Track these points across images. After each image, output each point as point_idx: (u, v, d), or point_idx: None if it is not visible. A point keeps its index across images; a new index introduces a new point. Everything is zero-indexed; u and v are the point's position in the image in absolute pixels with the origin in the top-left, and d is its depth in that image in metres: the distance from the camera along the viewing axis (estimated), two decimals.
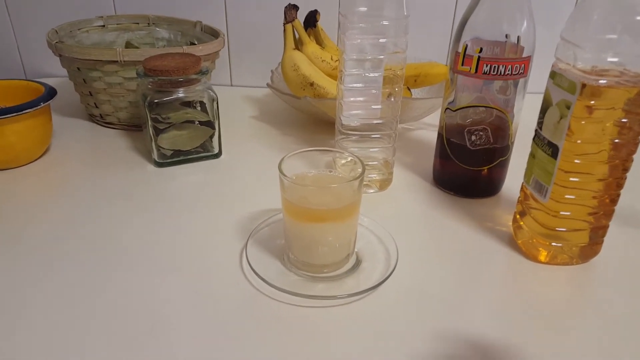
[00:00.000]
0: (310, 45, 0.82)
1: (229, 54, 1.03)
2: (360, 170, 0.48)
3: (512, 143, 0.63)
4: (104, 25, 0.93)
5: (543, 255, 0.53)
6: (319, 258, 0.49)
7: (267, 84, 0.83)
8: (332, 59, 0.83)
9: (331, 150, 0.52)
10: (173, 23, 0.95)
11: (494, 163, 0.63)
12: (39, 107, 0.67)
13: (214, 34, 0.88)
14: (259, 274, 0.48)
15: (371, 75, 0.60)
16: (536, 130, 0.52)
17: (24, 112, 0.65)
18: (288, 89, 0.82)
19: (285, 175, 0.46)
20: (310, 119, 0.86)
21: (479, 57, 0.57)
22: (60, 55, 0.77)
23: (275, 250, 0.53)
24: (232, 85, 1.06)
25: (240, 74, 1.05)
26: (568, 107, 0.47)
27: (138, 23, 0.95)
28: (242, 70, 1.05)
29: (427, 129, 0.85)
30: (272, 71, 0.89)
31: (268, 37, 1.00)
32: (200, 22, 0.92)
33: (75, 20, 0.89)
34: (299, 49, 0.81)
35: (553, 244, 0.52)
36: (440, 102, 0.77)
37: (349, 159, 0.52)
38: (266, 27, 1.00)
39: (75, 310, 0.46)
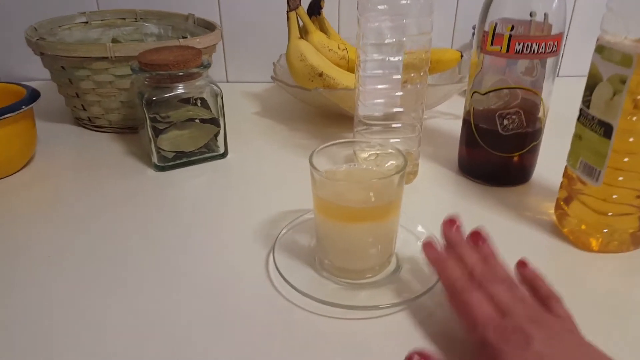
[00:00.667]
0: (316, 34, 0.76)
1: (223, 48, 0.98)
2: (399, 162, 0.43)
3: (544, 127, 0.59)
4: (87, 22, 0.86)
5: (594, 243, 0.49)
6: (358, 262, 0.44)
7: (272, 77, 0.77)
8: (339, 47, 0.78)
9: (364, 142, 0.47)
10: (163, 17, 0.89)
11: (526, 148, 0.58)
12: (20, 111, 0.61)
13: (209, 26, 0.82)
14: (292, 284, 0.43)
15: (392, 59, 0.56)
16: (581, 110, 0.47)
17: (3, 117, 0.59)
18: (293, 81, 0.77)
19: (318, 170, 0.41)
20: (318, 112, 0.81)
21: (510, 35, 0.52)
22: (41, 54, 0.70)
23: (305, 257, 0.48)
24: (228, 82, 1.00)
25: (236, 70, 0.99)
26: (623, 82, 0.42)
27: (124, 18, 0.89)
28: (238, 65, 0.99)
29: (441, 117, 0.81)
30: (274, 63, 0.83)
31: (265, 29, 0.95)
32: (193, 14, 0.86)
33: (56, 17, 0.82)
34: (303, 38, 0.76)
35: (604, 230, 0.48)
36: (456, 88, 0.73)
37: (372, 151, 0.47)
38: (263, 18, 0.94)
39: (82, 337, 0.40)
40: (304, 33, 0.77)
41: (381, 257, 0.45)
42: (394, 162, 0.44)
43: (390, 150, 0.44)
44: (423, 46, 0.55)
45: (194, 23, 0.86)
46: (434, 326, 0.40)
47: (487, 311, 0.36)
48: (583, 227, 0.49)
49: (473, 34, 0.90)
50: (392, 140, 0.60)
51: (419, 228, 0.51)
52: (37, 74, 0.91)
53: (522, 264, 0.41)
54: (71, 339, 0.40)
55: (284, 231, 0.50)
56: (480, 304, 0.36)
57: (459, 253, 0.41)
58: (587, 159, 0.47)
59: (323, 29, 0.80)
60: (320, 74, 0.72)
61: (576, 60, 0.80)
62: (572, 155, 0.49)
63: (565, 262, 0.48)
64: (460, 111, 0.81)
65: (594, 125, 0.45)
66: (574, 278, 0.46)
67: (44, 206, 0.58)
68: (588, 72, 0.46)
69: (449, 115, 0.82)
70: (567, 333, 0.35)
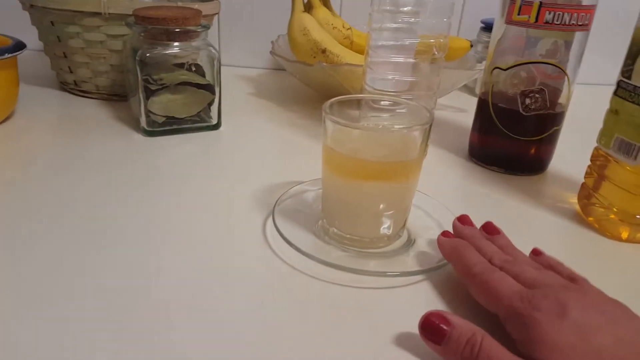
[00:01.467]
0: (321, 10, 0.72)
1: (218, 31, 0.93)
2: (422, 119, 0.38)
3: (566, 111, 0.55)
4: None
5: (624, 232, 0.45)
6: (368, 229, 0.39)
7: (270, 52, 0.73)
8: (343, 26, 0.74)
9: (380, 96, 0.42)
10: None
11: (547, 133, 0.54)
12: (3, 57, 0.55)
13: (207, 1, 0.77)
14: (295, 244, 0.38)
15: (407, 42, 0.51)
16: (620, 82, 0.44)
17: None
18: (294, 59, 0.72)
19: (332, 117, 0.36)
20: (318, 95, 0.76)
21: (540, 2, 0.49)
22: (31, 7, 0.65)
23: (306, 224, 0.42)
24: (222, 65, 0.95)
25: (230, 54, 0.95)
26: None
27: None
28: (232, 49, 0.94)
29: (445, 110, 0.77)
30: (272, 42, 0.79)
31: (262, 13, 0.90)
32: None
33: None
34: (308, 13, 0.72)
35: (638, 216, 0.44)
36: (467, 74, 0.70)
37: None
38: (261, 1, 0.90)
39: (67, 304, 0.34)
40: (308, 8, 0.73)
41: (394, 226, 0.40)
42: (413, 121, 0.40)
43: (407, 108, 0.40)
44: (441, 30, 0.51)
45: None
46: (451, 301, 0.35)
47: (512, 283, 0.31)
48: (612, 215, 0.45)
49: (481, 28, 0.87)
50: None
51: (431, 205, 0.46)
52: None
53: (537, 252, 0.37)
54: (52, 306, 0.33)
55: (283, 198, 0.45)
56: (503, 279, 0.32)
57: (475, 245, 0.36)
58: (625, 134, 0.43)
59: (327, 7, 0.76)
60: (324, 50, 0.68)
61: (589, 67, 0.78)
62: (605, 133, 0.45)
63: (591, 251, 0.44)
64: (465, 105, 0.78)
65: (635, 97, 0.41)
66: (600, 268, 0.41)
67: (22, 160, 0.53)
68: (631, 38, 0.42)
69: (452, 108, 0.78)
70: (608, 301, 0.30)
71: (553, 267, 0.35)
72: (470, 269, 0.33)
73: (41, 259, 0.37)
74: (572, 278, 0.33)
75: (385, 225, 0.39)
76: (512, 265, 0.33)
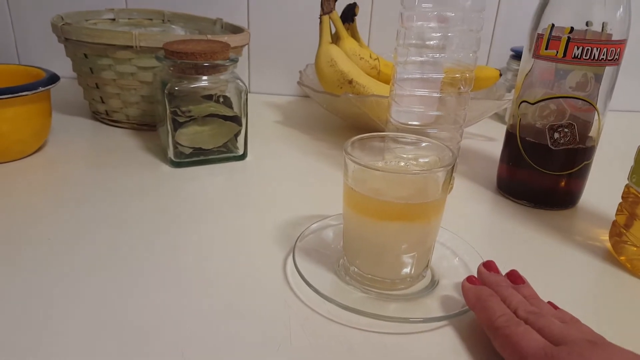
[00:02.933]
0: (348, 41, 0.73)
1: (248, 58, 0.95)
2: (445, 158, 0.38)
3: (596, 145, 0.53)
4: (114, 19, 0.84)
5: None
6: (390, 270, 0.39)
7: (298, 82, 0.73)
8: (370, 57, 0.74)
9: (403, 136, 0.42)
10: (190, 20, 0.86)
11: (577, 167, 0.53)
12: (37, 91, 0.57)
13: (236, 31, 0.79)
14: (313, 286, 0.37)
15: (433, 76, 0.51)
16: None
17: (19, 94, 0.55)
18: (321, 88, 0.73)
19: (353, 157, 0.36)
20: (345, 124, 0.77)
21: (569, 37, 0.48)
22: (66, 40, 0.67)
23: (327, 263, 0.42)
24: (250, 92, 0.97)
25: (259, 81, 0.96)
26: None
27: (152, 19, 0.86)
28: (262, 76, 0.96)
29: (474, 139, 0.76)
30: (300, 72, 0.79)
31: (292, 42, 0.92)
32: (221, 19, 0.84)
33: (83, 10, 0.80)
34: (335, 44, 0.72)
35: None
36: (496, 105, 0.69)
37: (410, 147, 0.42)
38: (291, 30, 0.91)
39: (90, 334, 0.34)
40: (335, 39, 0.73)
41: (416, 267, 0.39)
42: (435, 157, 0.39)
43: (431, 143, 0.39)
44: (467, 64, 0.50)
45: (222, 27, 0.83)
46: (474, 349, 0.34)
47: (537, 339, 0.30)
48: None
49: (510, 56, 0.86)
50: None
51: (457, 244, 0.45)
52: (59, 71, 0.89)
53: (554, 307, 0.36)
54: (73, 332, 0.34)
55: (305, 234, 0.45)
56: (527, 333, 0.31)
57: (499, 294, 0.35)
58: None
59: (354, 37, 0.76)
60: (350, 81, 0.68)
61: (622, 94, 0.76)
62: (637, 171, 0.44)
63: (622, 293, 0.42)
64: (494, 133, 0.77)
65: None
66: (631, 311, 0.40)
67: (54, 190, 0.54)
68: None
69: (482, 137, 0.77)
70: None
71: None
72: (494, 321, 0.32)
73: (67, 286, 0.38)
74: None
75: (408, 266, 0.39)
76: (537, 318, 0.32)
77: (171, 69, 0.58)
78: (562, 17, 0.49)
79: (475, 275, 0.39)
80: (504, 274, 0.39)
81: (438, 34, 0.49)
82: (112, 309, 0.36)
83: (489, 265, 0.39)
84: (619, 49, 0.48)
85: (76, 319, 0.35)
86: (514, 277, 0.38)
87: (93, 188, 0.55)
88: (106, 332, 0.34)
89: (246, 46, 0.92)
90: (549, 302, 0.36)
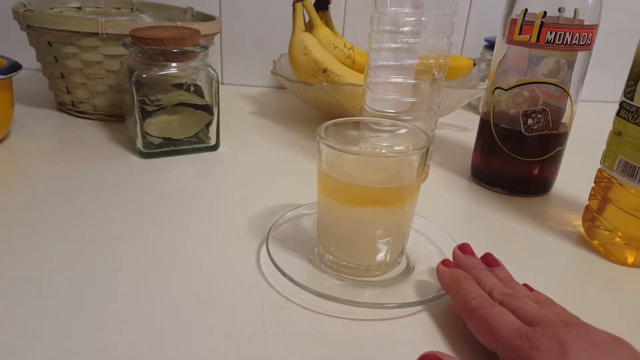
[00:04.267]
0: (322, 29, 0.72)
1: (221, 49, 0.93)
2: (420, 142, 0.37)
3: (569, 131, 0.54)
4: (80, 7, 0.81)
5: (630, 257, 0.43)
6: (365, 257, 0.38)
7: (271, 72, 0.72)
8: (345, 45, 0.73)
9: (379, 120, 0.41)
10: (160, 9, 0.84)
11: (550, 153, 0.53)
12: None
13: (208, 20, 0.77)
14: (287, 274, 0.36)
15: (407, 54, 0.50)
16: (622, 103, 0.42)
17: None
18: (295, 78, 0.72)
19: (327, 141, 0.35)
20: (319, 114, 0.76)
21: (542, 22, 0.48)
22: (28, 27, 0.65)
23: (302, 251, 0.41)
24: (223, 84, 0.95)
25: (233, 72, 0.94)
26: None
27: (120, 8, 0.84)
28: (235, 67, 0.94)
29: (448, 129, 0.76)
30: (274, 61, 0.78)
31: (266, 32, 0.90)
32: (192, 8, 0.82)
33: None
34: (309, 32, 0.71)
35: None
36: (470, 93, 0.68)
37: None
38: (264, 20, 0.90)
39: (57, 327, 0.33)
40: (309, 27, 0.72)
41: (391, 253, 0.38)
42: (409, 145, 0.39)
43: (406, 129, 0.39)
44: (441, 50, 0.50)
45: (193, 16, 0.81)
46: (450, 334, 0.34)
47: (512, 320, 0.30)
48: (617, 239, 0.44)
49: (484, 46, 0.86)
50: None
51: (432, 230, 0.44)
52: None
53: (529, 289, 0.36)
54: (39, 325, 0.32)
55: (278, 223, 0.44)
56: (502, 315, 0.30)
57: (474, 276, 0.35)
58: (629, 156, 0.41)
59: (328, 26, 0.75)
60: (325, 70, 0.67)
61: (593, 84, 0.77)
62: (609, 155, 0.44)
63: (596, 276, 0.42)
64: (468, 124, 0.77)
65: (638, 118, 0.40)
66: (605, 294, 0.40)
67: (12, 186, 0.51)
68: (633, 59, 0.41)
69: (456, 127, 0.77)
70: (612, 341, 0.28)
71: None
72: (468, 303, 0.32)
73: (35, 281, 0.36)
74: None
75: (383, 252, 0.38)
76: (512, 300, 0.32)
77: (138, 55, 0.56)
78: (535, 3, 0.49)
79: (451, 258, 0.38)
80: (479, 257, 0.38)
81: (412, 19, 0.49)
82: (80, 300, 0.35)
83: (464, 248, 0.38)
84: (590, 34, 0.49)
85: (42, 311, 0.34)
86: (489, 260, 0.37)
87: (57, 181, 0.53)
88: (73, 322, 0.33)
89: (219, 37, 0.91)
90: (525, 285, 0.36)
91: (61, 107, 0.73)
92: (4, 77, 0.56)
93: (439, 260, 0.38)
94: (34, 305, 0.34)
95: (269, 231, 0.42)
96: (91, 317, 0.33)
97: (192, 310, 0.35)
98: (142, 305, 0.35)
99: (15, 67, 0.58)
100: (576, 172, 0.54)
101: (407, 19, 0.48)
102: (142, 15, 0.84)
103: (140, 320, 0.33)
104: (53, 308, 0.34)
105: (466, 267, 0.36)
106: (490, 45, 0.84)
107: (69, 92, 0.69)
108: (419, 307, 0.36)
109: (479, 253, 0.39)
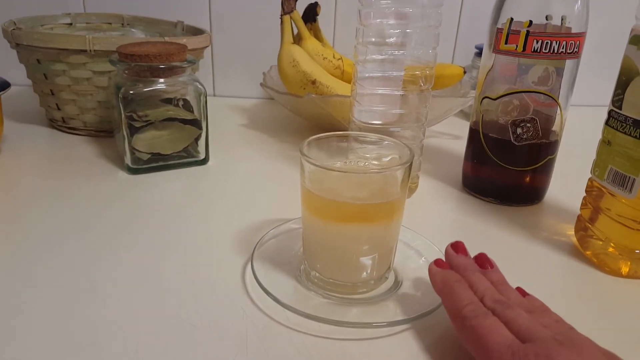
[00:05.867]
0: (311, 41, 0.72)
1: (212, 62, 0.93)
2: (404, 156, 0.37)
3: (560, 140, 0.53)
4: (71, 24, 0.81)
5: (624, 268, 0.42)
6: (351, 274, 0.37)
7: (261, 84, 0.72)
8: (334, 56, 0.73)
9: (363, 134, 0.41)
10: (150, 23, 0.84)
11: (541, 162, 0.52)
12: None
13: (198, 33, 0.77)
14: (272, 294, 0.36)
15: (393, 64, 0.50)
16: (611, 112, 0.42)
17: None
18: (285, 90, 0.71)
19: (309, 158, 0.35)
20: (309, 125, 0.75)
21: (527, 31, 0.47)
22: (17, 45, 0.65)
23: (288, 268, 0.41)
24: (215, 96, 0.95)
25: (224, 84, 0.94)
26: None
27: (110, 23, 0.84)
28: (226, 79, 0.94)
29: (440, 137, 0.76)
30: (264, 73, 0.78)
31: (256, 44, 0.90)
32: (182, 22, 0.82)
33: (38, 15, 0.77)
34: (297, 44, 0.71)
35: (637, 251, 0.42)
36: (460, 102, 0.68)
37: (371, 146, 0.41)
38: (254, 33, 0.90)
39: (46, 343, 0.32)
40: (297, 39, 0.72)
41: (378, 269, 0.38)
42: (395, 156, 0.38)
43: (392, 142, 0.38)
44: (427, 61, 0.49)
45: (183, 30, 0.81)
46: (440, 352, 0.33)
47: (504, 334, 0.29)
48: (610, 249, 0.43)
49: (475, 53, 0.86)
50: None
51: (422, 244, 0.44)
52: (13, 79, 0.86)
53: (523, 293, 0.35)
54: (25, 342, 0.32)
55: (265, 239, 0.43)
56: (494, 327, 0.30)
57: (467, 278, 0.34)
58: (619, 166, 0.41)
59: (317, 37, 0.75)
60: (314, 82, 0.67)
61: (584, 89, 0.77)
62: (599, 164, 0.43)
63: (589, 288, 0.42)
64: (459, 132, 0.77)
65: (627, 127, 0.40)
66: (599, 306, 0.39)
67: (1, 200, 0.51)
68: (620, 67, 0.41)
69: (448, 136, 0.76)
70: (604, 357, 0.28)
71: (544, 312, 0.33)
72: (460, 310, 0.31)
73: (23, 297, 0.35)
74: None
75: (369, 269, 0.37)
76: (504, 309, 0.31)
77: (126, 72, 0.56)
78: (521, 11, 0.48)
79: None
80: (473, 256, 0.38)
81: (397, 31, 0.48)
82: (64, 318, 0.34)
83: (457, 246, 0.38)
84: (578, 42, 0.48)
85: (28, 329, 0.33)
86: (482, 261, 0.37)
87: (46, 197, 0.52)
88: (57, 340, 0.32)
89: (210, 50, 0.91)
90: (518, 288, 0.35)
91: (52, 123, 0.73)
92: None
93: (425, 272, 0.37)
94: (22, 319, 0.34)
95: (254, 248, 0.41)
96: (75, 334, 0.33)
97: (175, 330, 0.34)
98: (125, 324, 0.34)
99: (3, 85, 0.58)
100: (568, 180, 0.54)
101: (392, 30, 0.48)
102: (133, 30, 0.84)
103: (123, 339, 0.33)
104: (38, 324, 0.33)
105: (458, 268, 0.36)
106: (481, 52, 0.84)
107: (59, 109, 0.69)
108: (408, 325, 0.35)
109: None
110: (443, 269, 0.36)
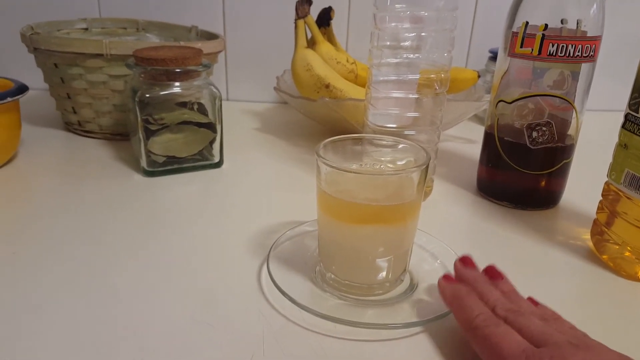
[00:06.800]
0: (324, 45, 0.72)
1: (226, 66, 0.93)
2: (419, 158, 0.37)
3: (576, 143, 0.53)
4: (87, 29, 0.82)
5: None
6: (366, 275, 0.38)
7: (274, 88, 0.72)
8: (347, 60, 0.73)
9: (378, 137, 0.41)
10: (165, 28, 0.85)
11: (557, 166, 0.52)
12: (5, 101, 0.55)
13: (212, 38, 0.78)
14: (288, 294, 0.36)
15: (408, 77, 0.50)
16: (628, 115, 0.42)
17: None
18: (298, 94, 0.72)
19: (325, 160, 0.35)
20: (323, 129, 0.75)
21: (543, 35, 0.47)
22: (35, 50, 0.66)
23: (303, 270, 0.41)
24: (228, 100, 0.96)
25: (238, 88, 0.95)
26: None
27: (126, 28, 0.85)
28: (240, 84, 0.95)
29: (454, 141, 0.75)
30: (277, 77, 0.78)
31: (270, 48, 0.91)
32: (196, 26, 0.83)
33: (55, 20, 0.78)
34: (310, 49, 0.71)
35: None
36: (474, 106, 0.68)
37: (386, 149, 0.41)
38: (268, 37, 0.90)
39: (56, 347, 0.32)
40: (311, 44, 0.72)
41: (393, 272, 0.38)
42: (411, 159, 0.38)
43: (407, 144, 0.38)
44: (442, 65, 0.49)
45: (197, 35, 0.82)
46: (454, 354, 0.33)
47: (518, 340, 0.29)
48: (627, 253, 0.43)
49: (489, 57, 0.86)
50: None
51: (437, 247, 0.44)
52: (30, 84, 0.87)
53: (534, 302, 0.35)
54: (39, 346, 0.32)
55: (280, 240, 0.44)
56: (507, 334, 0.30)
57: (477, 290, 0.34)
58: (635, 169, 0.41)
59: (331, 41, 0.75)
60: (327, 85, 0.67)
61: (600, 93, 0.76)
62: (616, 168, 0.43)
63: (605, 292, 0.41)
64: (474, 135, 0.77)
65: None
66: (616, 310, 0.39)
67: (19, 205, 0.52)
68: (637, 71, 0.40)
69: (462, 139, 0.76)
70: None
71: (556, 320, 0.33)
72: (471, 321, 0.31)
73: (39, 299, 0.36)
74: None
75: (384, 271, 0.37)
76: (516, 317, 0.31)
77: (142, 76, 0.57)
78: (537, 15, 0.48)
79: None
80: (482, 269, 0.38)
81: (412, 35, 0.49)
82: (81, 318, 0.35)
83: (465, 261, 0.38)
84: (594, 46, 0.48)
85: (43, 331, 0.33)
86: (492, 273, 0.37)
87: (62, 200, 0.53)
88: (71, 344, 0.32)
89: (223, 54, 0.92)
90: (529, 298, 0.35)
91: (68, 127, 0.74)
92: (10, 99, 0.56)
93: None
94: (35, 320, 0.34)
95: (270, 250, 0.42)
96: (90, 336, 0.33)
97: (191, 331, 0.34)
98: (141, 325, 0.35)
99: (21, 89, 0.59)
100: (584, 183, 0.54)
101: (407, 34, 0.48)
102: (147, 35, 0.85)
103: (140, 340, 0.33)
104: (53, 326, 0.34)
105: (468, 280, 0.35)
106: (495, 56, 0.83)
107: (75, 112, 0.70)
108: (423, 327, 0.35)
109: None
110: (452, 283, 0.36)
